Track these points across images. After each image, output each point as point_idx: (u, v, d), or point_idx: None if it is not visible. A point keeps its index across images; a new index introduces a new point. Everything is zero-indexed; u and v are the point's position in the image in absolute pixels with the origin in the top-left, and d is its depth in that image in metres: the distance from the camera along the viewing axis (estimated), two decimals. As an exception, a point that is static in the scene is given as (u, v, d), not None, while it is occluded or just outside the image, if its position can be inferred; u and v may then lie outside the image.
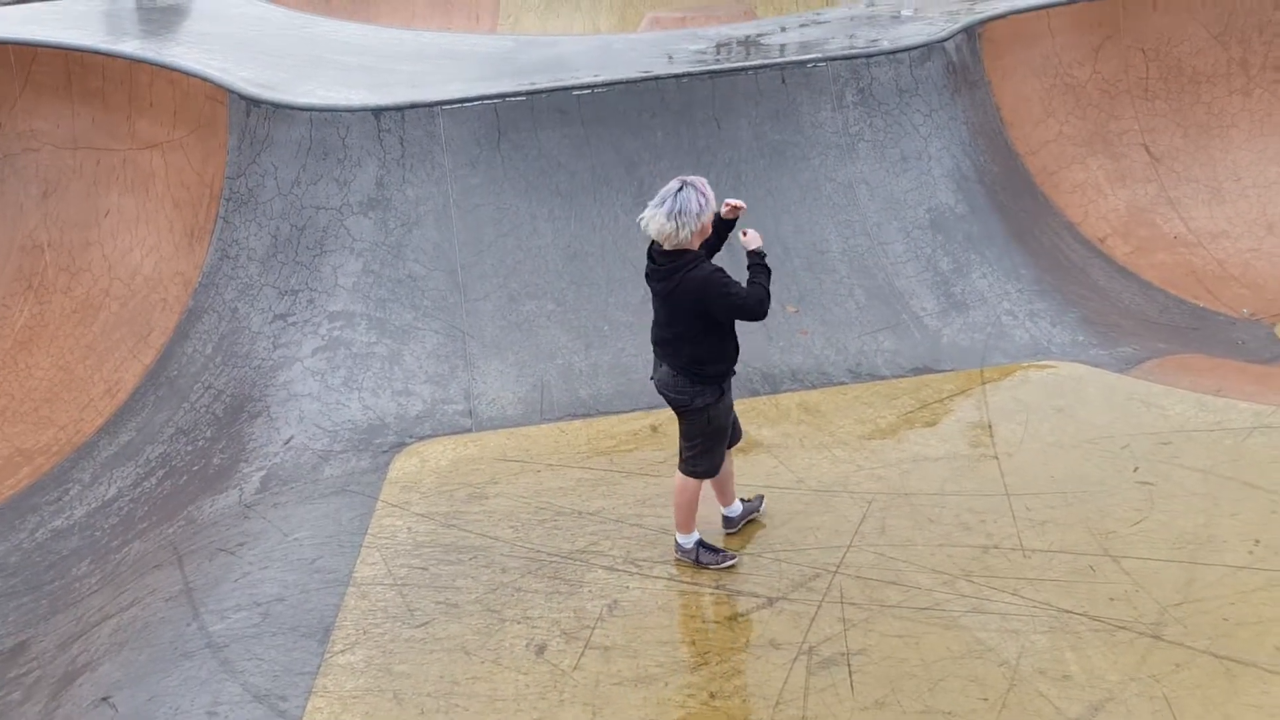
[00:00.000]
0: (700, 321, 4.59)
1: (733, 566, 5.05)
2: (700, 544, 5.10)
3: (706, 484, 5.09)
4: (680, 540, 5.12)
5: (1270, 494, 5.38)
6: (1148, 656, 4.31)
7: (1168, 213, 9.53)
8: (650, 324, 4.84)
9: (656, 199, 4.47)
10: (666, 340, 4.71)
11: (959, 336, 7.43)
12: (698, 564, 5.07)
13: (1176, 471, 5.65)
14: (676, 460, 4.99)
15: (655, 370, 4.87)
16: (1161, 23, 9.97)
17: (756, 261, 4.65)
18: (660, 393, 4.85)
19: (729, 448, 5.08)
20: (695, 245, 4.54)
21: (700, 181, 4.51)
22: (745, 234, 4.74)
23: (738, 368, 4.86)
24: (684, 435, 4.91)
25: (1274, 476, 5.53)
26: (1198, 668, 4.23)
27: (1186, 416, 6.21)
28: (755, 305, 4.52)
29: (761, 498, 5.51)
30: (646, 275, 4.70)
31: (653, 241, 4.59)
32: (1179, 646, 4.35)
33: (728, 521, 5.32)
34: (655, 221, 4.43)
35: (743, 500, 5.38)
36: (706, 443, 4.86)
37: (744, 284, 4.58)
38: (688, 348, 4.66)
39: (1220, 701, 4.05)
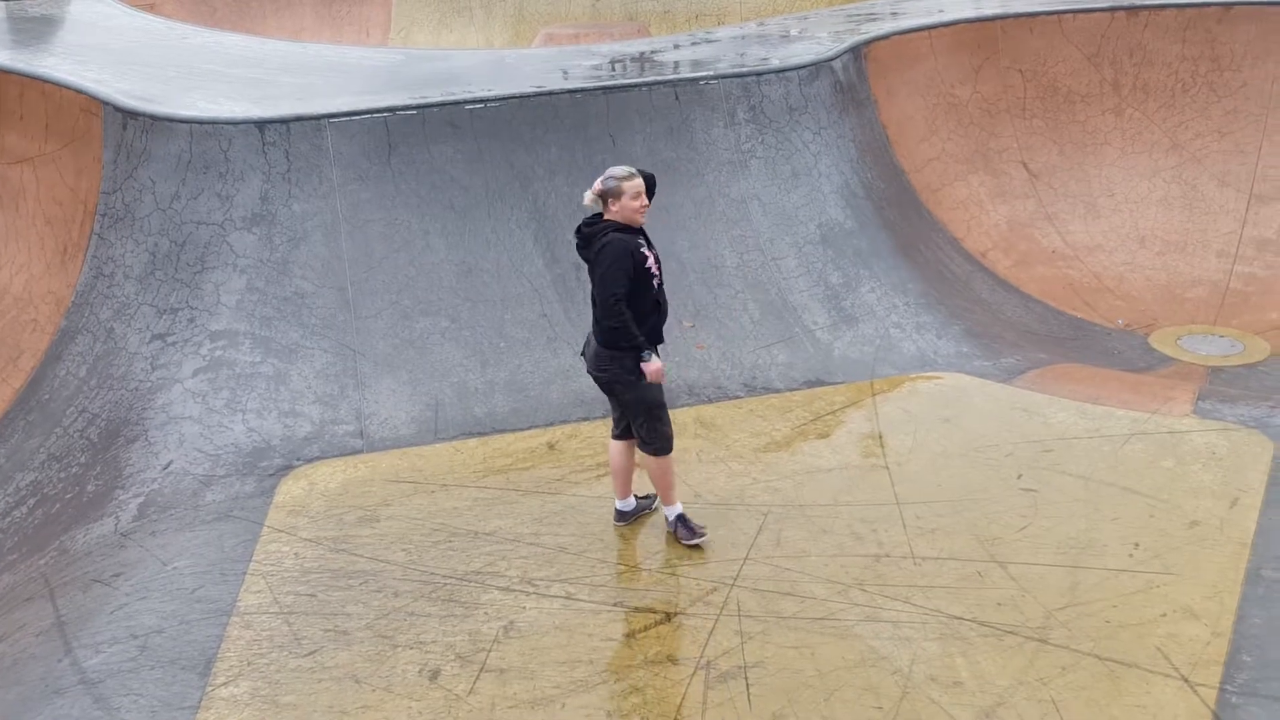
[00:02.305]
0: None
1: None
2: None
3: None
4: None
5: (1148, 498, 5.58)
6: (1035, 660, 4.41)
7: (1046, 228, 9.87)
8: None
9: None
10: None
11: (849, 349, 7.55)
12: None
13: (1058, 478, 5.81)
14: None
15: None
16: (1038, 44, 10.35)
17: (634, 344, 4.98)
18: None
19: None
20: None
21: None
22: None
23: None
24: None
25: (1151, 481, 5.74)
26: (1083, 670, 4.34)
27: (1067, 424, 6.41)
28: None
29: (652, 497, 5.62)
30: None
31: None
32: (1065, 650, 4.46)
33: (621, 515, 5.50)
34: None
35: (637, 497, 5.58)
36: None
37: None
38: None
39: (1105, 703, 4.16)
